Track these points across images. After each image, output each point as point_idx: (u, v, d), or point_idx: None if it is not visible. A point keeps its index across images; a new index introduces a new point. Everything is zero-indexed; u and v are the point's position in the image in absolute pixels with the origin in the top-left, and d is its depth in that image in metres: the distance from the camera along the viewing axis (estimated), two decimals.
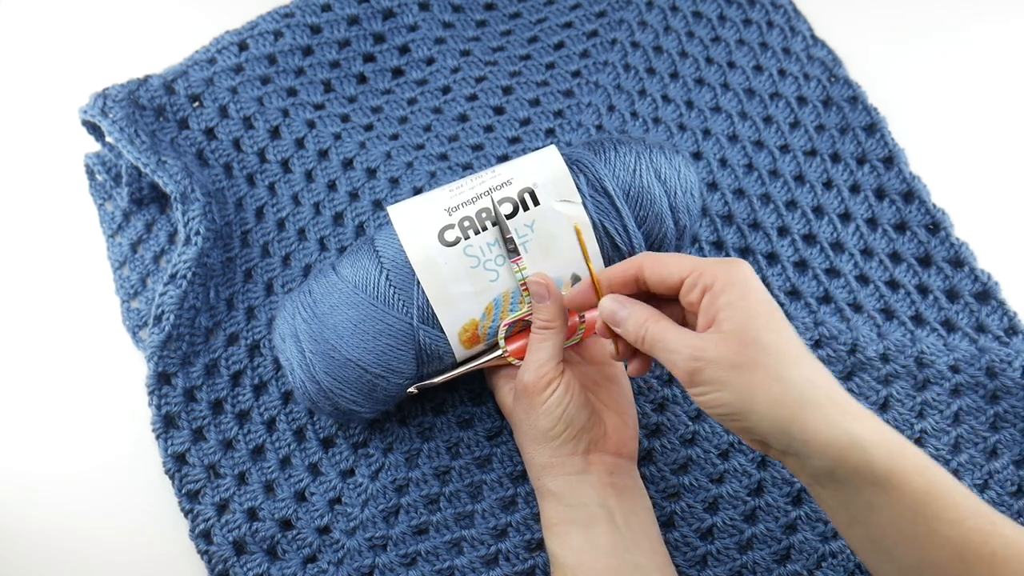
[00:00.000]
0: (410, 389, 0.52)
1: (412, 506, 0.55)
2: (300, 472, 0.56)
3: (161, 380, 0.56)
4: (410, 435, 0.56)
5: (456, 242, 0.49)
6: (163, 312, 0.57)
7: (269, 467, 0.56)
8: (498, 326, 0.51)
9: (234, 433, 0.56)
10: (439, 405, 0.57)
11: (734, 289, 0.42)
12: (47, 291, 0.63)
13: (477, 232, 0.50)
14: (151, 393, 0.56)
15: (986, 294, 0.59)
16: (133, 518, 0.56)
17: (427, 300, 0.49)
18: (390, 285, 0.50)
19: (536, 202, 0.50)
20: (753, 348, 0.41)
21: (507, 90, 0.67)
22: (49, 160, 0.67)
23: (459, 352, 0.52)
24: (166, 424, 0.56)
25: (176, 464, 0.55)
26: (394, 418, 0.57)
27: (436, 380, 0.53)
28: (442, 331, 0.50)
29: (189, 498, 0.55)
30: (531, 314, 0.51)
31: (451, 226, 0.50)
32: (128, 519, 0.56)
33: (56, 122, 0.67)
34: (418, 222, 0.50)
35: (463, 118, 0.66)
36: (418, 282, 0.49)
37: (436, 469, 0.55)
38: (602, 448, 0.50)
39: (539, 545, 0.54)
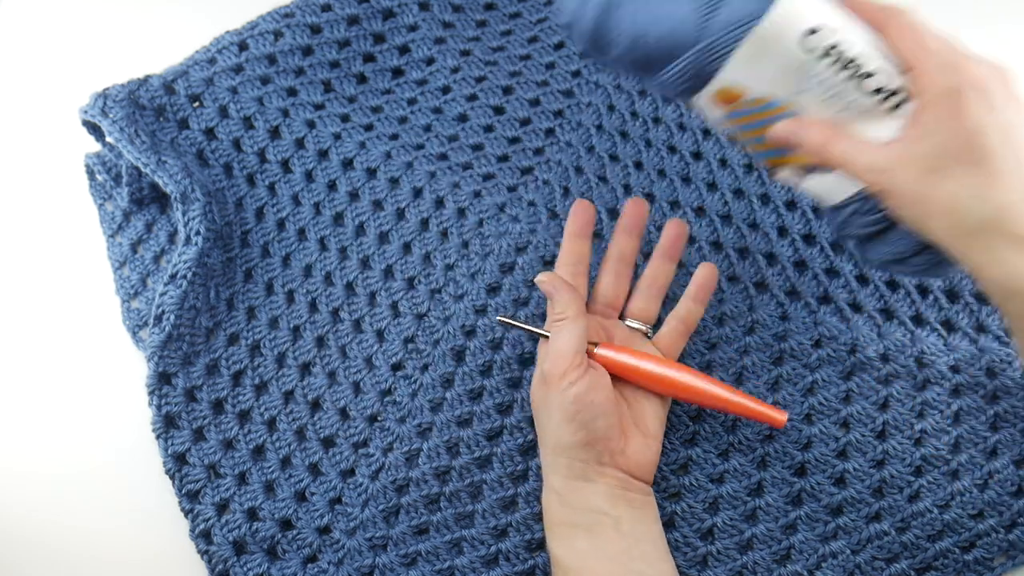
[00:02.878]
0: (498, 318, 0.56)
1: (412, 506, 0.55)
2: (300, 472, 0.56)
3: (161, 380, 0.56)
4: (410, 435, 0.57)
5: (812, 51, 0.42)
6: (163, 312, 0.57)
7: (269, 467, 0.56)
8: (756, 114, 0.46)
9: (234, 433, 0.56)
10: (438, 405, 0.57)
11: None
12: (47, 291, 0.63)
13: (832, 68, 0.42)
14: (151, 393, 0.56)
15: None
16: (133, 518, 0.57)
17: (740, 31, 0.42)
18: None
19: None
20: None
21: (507, 90, 0.67)
22: (49, 160, 0.67)
23: (703, 96, 0.45)
24: (166, 424, 0.56)
25: (176, 464, 0.55)
26: (393, 417, 0.57)
27: (522, 326, 0.55)
28: (717, 57, 0.43)
29: (189, 498, 0.55)
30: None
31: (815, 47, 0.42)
32: (128, 519, 0.56)
33: (56, 122, 0.67)
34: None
35: (463, 118, 0.66)
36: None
37: (436, 469, 0.55)
38: (620, 465, 0.49)
39: (540, 545, 0.54)
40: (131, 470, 0.57)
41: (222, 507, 0.55)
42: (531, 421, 0.56)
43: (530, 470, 0.55)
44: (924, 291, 0.59)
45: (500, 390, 0.57)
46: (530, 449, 0.56)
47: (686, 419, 0.56)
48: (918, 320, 0.59)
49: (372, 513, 0.55)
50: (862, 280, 0.60)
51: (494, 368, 0.58)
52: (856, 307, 0.59)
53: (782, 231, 0.61)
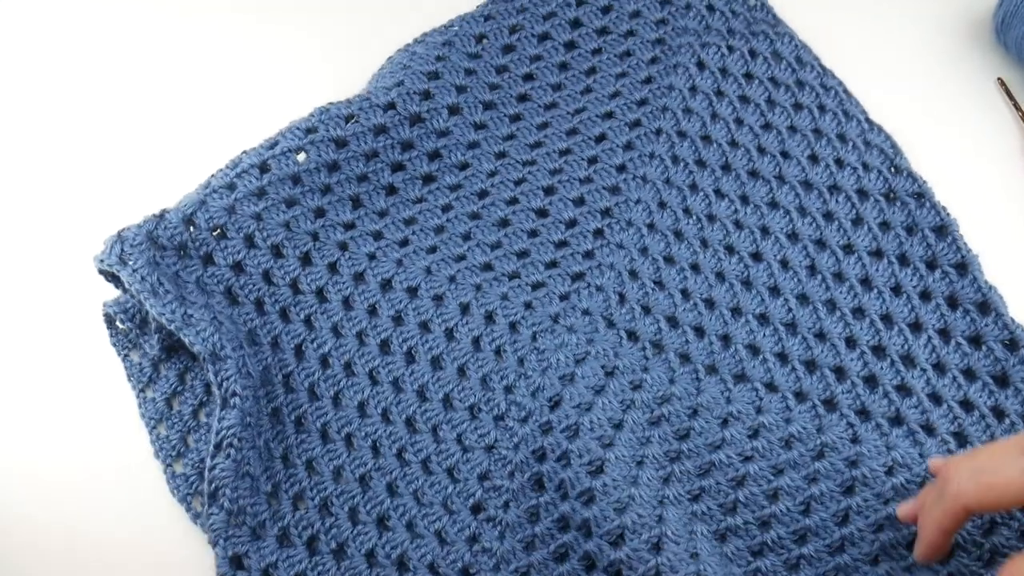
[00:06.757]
0: None
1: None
2: None
3: (234, 565, 0.53)
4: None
5: None
6: (217, 488, 0.53)
7: None
8: None
9: None
10: (530, 543, 0.55)
11: None
12: (48, 290, 0.62)
13: None
14: None
15: None
16: (132, 518, 0.57)
17: None
18: None
19: None
20: None
21: (548, 190, 0.63)
22: (48, 160, 0.67)
23: None
24: None
25: None
26: (486, 568, 0.55)
27: None
28: None
29: None
30: None
31: None
32: (127, 519, 0.57)
33: (56, 122, 0.68)
34: None
35: (504, 223, 0.62)
36: None
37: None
38: None
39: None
40: (131, 470, 0.57)
41: None
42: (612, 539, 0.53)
43: None
44: (1001, 415, 0.57)
45: (576, 510, 0.54)
46: None
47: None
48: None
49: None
50: (935, 399, 0.58)
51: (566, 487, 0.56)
52: (929, 429, 0.57)
53: (850, 342, 0.59)
